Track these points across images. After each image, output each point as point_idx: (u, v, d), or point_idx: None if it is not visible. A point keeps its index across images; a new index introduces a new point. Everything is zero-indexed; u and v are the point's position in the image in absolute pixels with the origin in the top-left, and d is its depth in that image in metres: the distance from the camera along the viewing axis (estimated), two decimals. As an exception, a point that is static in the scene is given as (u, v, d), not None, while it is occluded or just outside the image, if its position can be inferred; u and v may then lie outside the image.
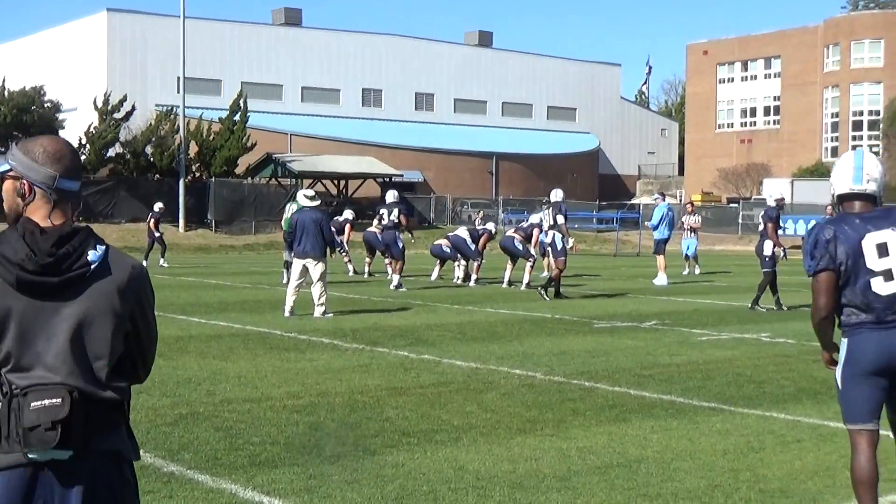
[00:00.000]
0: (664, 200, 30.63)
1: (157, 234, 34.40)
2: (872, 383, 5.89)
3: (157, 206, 35.38)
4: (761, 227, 20.88)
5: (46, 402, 3.23)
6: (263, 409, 9.72)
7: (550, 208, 22.95)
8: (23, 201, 3.42)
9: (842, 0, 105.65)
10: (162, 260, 34.44)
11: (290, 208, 23.29)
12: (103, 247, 3.38)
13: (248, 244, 52.04)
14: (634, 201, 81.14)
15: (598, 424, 9.28)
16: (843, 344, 6.02)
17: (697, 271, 33.70)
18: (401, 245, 25.42)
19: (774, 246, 20.35)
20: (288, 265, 22.80)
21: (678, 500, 6.91)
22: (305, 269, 18.35)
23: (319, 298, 18.22)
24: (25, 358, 3.32)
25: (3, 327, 3.33)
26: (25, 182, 3.41)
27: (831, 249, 5.88)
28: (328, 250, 18.60)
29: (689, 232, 34.18)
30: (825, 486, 7.29)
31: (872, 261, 5.88)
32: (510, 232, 27.06)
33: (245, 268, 35.21)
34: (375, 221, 26.86)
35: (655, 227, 28.76)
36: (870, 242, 5.89)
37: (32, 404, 3.23)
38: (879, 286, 5.88)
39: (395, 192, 26.98)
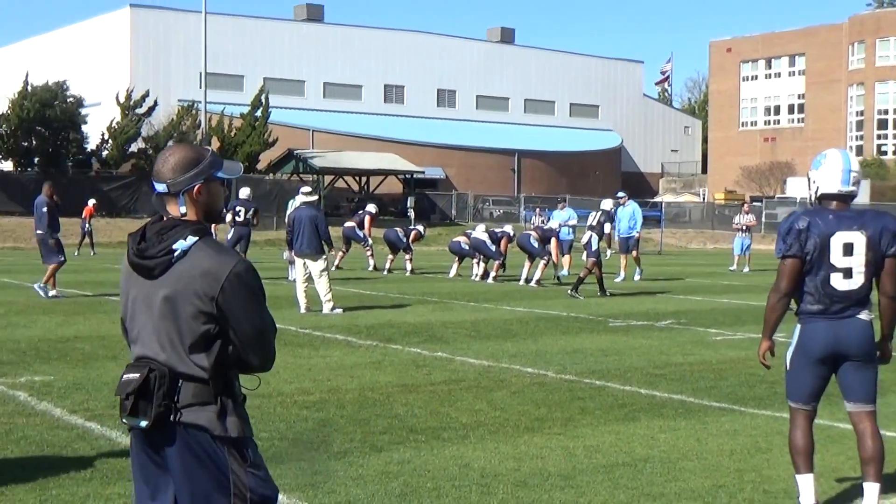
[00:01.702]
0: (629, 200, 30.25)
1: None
2: (817, 371, 6.47)
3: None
4: None
5: (129, 375, 3.78)
6: (274, 404, 9.75)
7: (600, 213, 23.63)
8: None
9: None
10: None
11: (293, 204, 23.14)
12: (195, 238, 3.79)
13: (270, 240, 52.10)
14: (657, 199, 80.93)
15: (606, 423, 9.28)
16: (797, 330, 6.53)
17: (747, 269, 34.28)
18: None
19: None
20: (292, 262, 22.68)
21: (681, 499, 6.91)
22: (306, 266, 18.44)
23: (326, 295, 18.26)
24: (133, 332, 3.91)
25: (125, 305, 3.94)
26: None
27: (802, 239, 6.34)
28: (326, 246, 18.61)
29: (743, 231, 35.01)
30: (830, 487, 7.28)
31: (836, 257, 6.34)
32: (527, 230, 27.23)
33: (266, 264, 35.27)
34: (229, 217, 24.88)
35: (630, 228, 28.36)
36: (838, 240, 6.34)
37: (124, 376, 3.80)
38: (838, 282, 6.35)
39: (248, 190, 26.06)
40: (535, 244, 25.74)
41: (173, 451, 3.77)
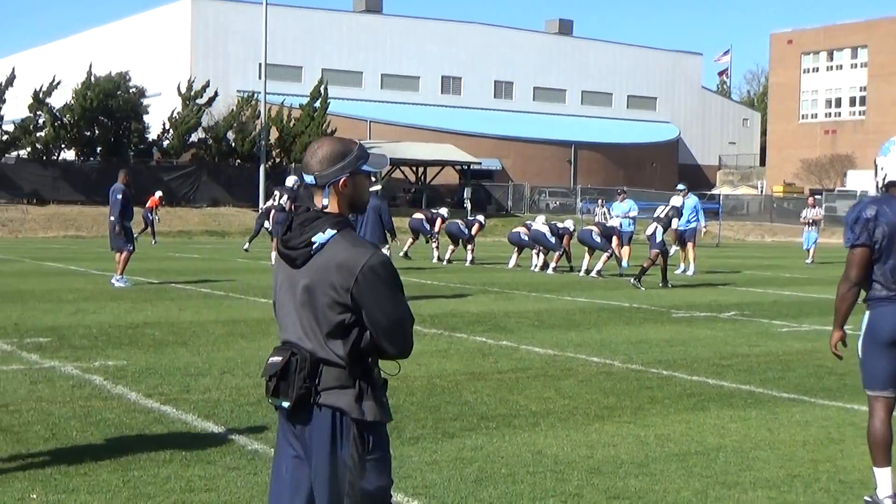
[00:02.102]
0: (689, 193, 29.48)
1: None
2: (890, 355, 6.33)
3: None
4: None
5: (274, 358, 3.96)
6: (344, 390, 9.82)
7: (669, 208, 23.60)
8: None
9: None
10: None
11: None
12: (333, 231, 3.92)
13: (328, 230, 52.46)
14: (714, 191, 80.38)
15: (675, 413, 9.29)
16: (865, 316, 6.43)
17: (808, 261, 34.62)
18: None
19: None
20: None
21: (756, 488, 6.91)
22: None
23: None
24: (280, 317, 4.06)
25: (274, 289, 4.09)
26: None
27: (870, 227, 6.26)
28: (389, 237, 18.77)
29: (810, 225, 35.43)
30: (906, 478, 7.23)
31: None
32: (588, 225, 27.29)
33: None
34: (271, 201, 27.08)
35: (689, 221, 27.72)
36: None
37: (269, 359, 3.97)
38: None
39: (295, 179, 27.30)
40: (598, 239, 25.74)
41: (312, 432, 3.93)
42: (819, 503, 6.70)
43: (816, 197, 44.02)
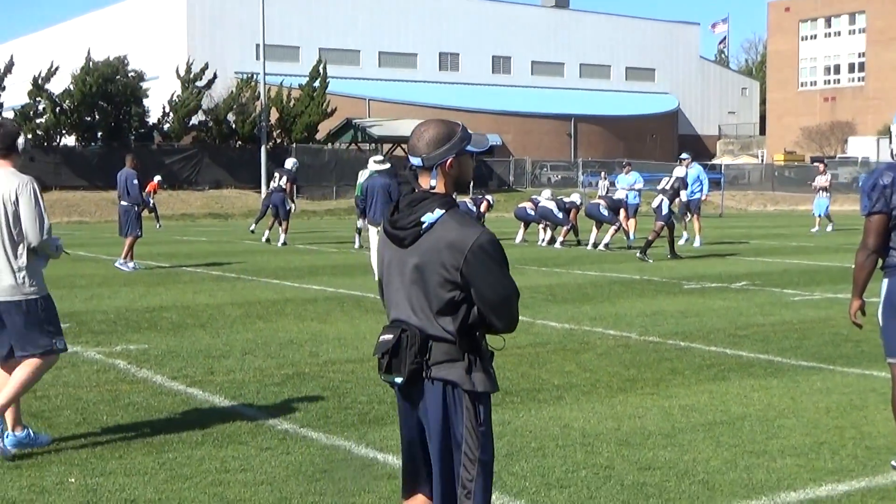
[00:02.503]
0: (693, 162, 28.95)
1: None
2: None
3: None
4: None
5: (385, 336, 4.13)
6: (366, 369, 9.90)
7: (674, 179, 23.55)
8: None
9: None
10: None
11: (363, 174, 23.35)
12: (442, 211, 4.06)
13: (330, 209, 52.43)
14: (715, 161, 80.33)
15: (697, 383, 9.36)
16: (883, 284, 6.46)
17: (830, 229, 34.48)
18: (288, 207, 27.24)
19: None
20: (360, 231, 24.45)
21: (785, 456, 6.98)
22: None
23: None
24: (387, 296, 4.25)
25: (380, 268, 4.28)
26: None
27: (887, 194, 6.27)
28: None
29: (821, 192, 35.32)
30: (932, 442, 7.30)
31: None
32: (595, 199, 27.31)
33: (330, 232, 35.53)
34: (273, 183, 28.08)
35: (692, 192, 27.37)
36: None
37: (381, 337, 4.14)
38: None
39: (294, 161, 28.79)
40: (605, 212, 25.80)
41: (426, 405, 4.11)
42: (847, 469, 6.76)
43: (816, 164, 43.82)
